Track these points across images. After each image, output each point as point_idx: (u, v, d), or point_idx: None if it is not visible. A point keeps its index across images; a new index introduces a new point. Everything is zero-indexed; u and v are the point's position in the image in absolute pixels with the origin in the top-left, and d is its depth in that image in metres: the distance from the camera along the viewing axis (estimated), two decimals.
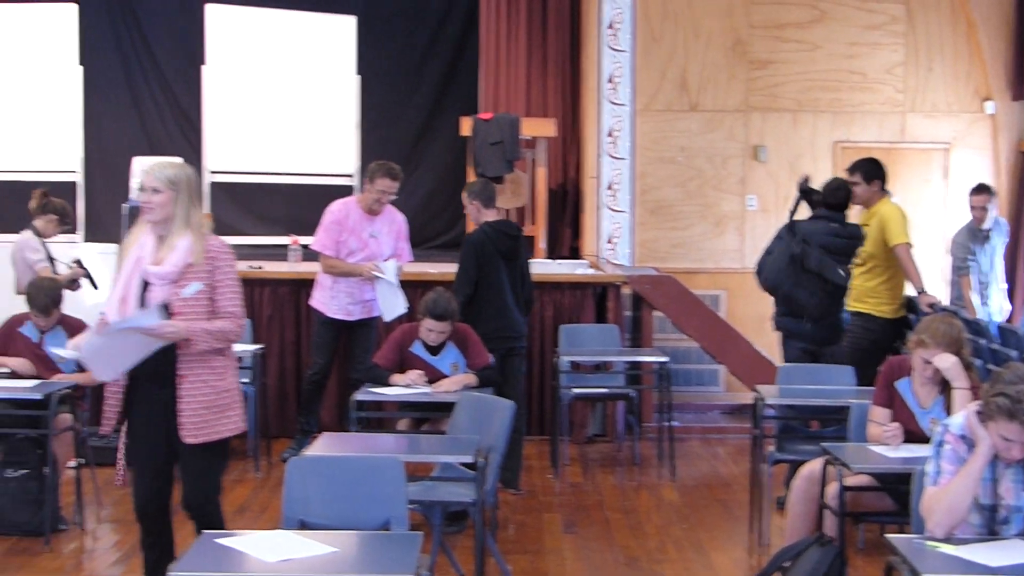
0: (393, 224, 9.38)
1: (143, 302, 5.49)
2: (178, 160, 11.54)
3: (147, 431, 5.62)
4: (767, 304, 9.06)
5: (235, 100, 11.79)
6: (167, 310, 5.51)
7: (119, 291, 5.54)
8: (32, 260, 8.69)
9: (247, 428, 6.15)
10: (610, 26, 11.35)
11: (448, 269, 9.31)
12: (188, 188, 5.70)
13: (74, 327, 7.67)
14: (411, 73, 13.13)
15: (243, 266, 10.18)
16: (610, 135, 11.36)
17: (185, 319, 5.50)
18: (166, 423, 5.55)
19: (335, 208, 9.31)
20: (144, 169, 5.91)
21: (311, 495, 5.19)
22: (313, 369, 9.51)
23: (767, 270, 8.88)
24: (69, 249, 9.07)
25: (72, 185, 11.61)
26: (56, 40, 11.82)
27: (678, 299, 10.49)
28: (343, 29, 11.85)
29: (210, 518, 5.64)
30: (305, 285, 10.05)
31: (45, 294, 7.83)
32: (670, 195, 11.76)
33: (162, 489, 5.69)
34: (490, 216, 8.69)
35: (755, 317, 11.11)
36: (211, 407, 5.58)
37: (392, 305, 9.13)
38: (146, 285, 5.53)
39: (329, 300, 9.34)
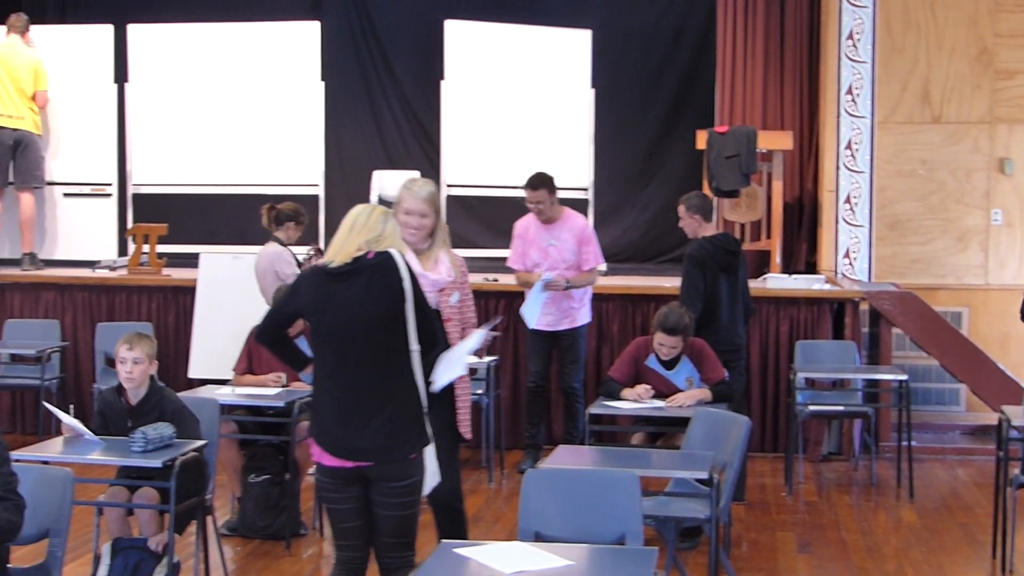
0: (573, 230, 9.41)
1: None
2: (416, 174, 11.82)
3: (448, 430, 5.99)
4: (1012, 322, 8.78)
5: (472, 114, 11.93)
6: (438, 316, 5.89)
7: None
8: (287, 273, 8.90)
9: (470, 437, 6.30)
10: (849, 37, 11.16)
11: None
12: (440, 205, 6.00)
13: None
14: (646, 86, 13.11)
15: (479, 278, 10.33)
16: (848, 148, 11.16)
17: (451, 325, 5.97)
18: (450, 422, 5.97)
19: (518, 223, 9.55)
20: (407, 189, 6.05)
21: (547, 507, 5.21)
22: (529, 377, 9.67)
23: None
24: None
25: (315, 198, 11.90)
26: (299, 57, 12.12)
27: (919, 316, 10.23)
28: (579, 43, 11.88)
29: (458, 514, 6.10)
30: None
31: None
32: (910, 209, 11.48)
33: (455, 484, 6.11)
34: (709, 230, 8.66)
35: (999, 336, 10.78)
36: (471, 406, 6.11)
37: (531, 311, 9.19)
38: None
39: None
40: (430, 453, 5.31)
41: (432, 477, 5.34)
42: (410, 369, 5.23)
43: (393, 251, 5.25)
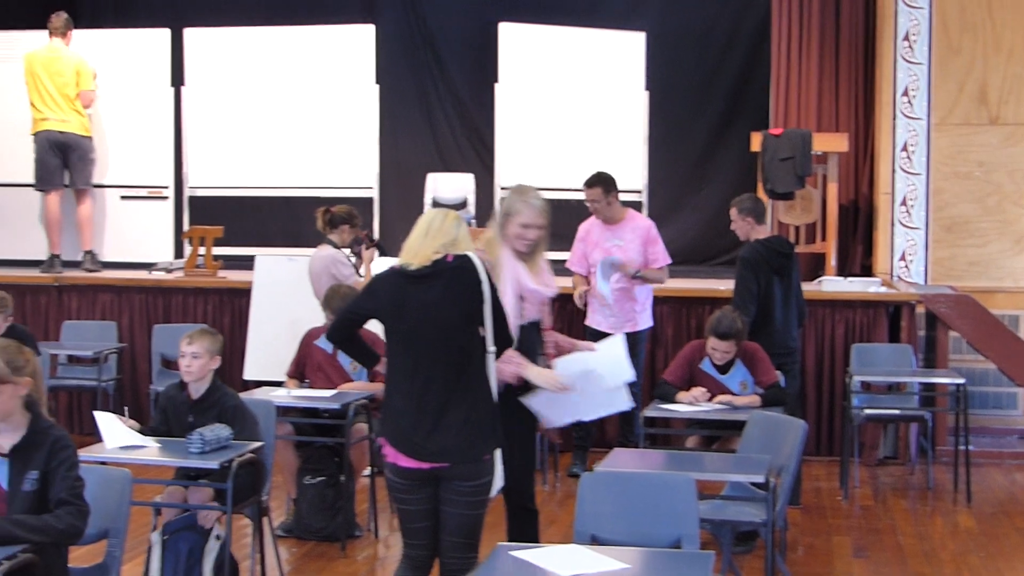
0: (637, 230, 9.40)
1: None
2: (469, 177, 11.83)
3: (524, 430, 6.11)
4: None
5: (526, 117, 11.94)
6: (539, 327, 6.14)
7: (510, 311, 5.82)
8: (344, 275, 8.95)
9: None
10: (905, 38, 11.09)
11: None
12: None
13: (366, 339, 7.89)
14: (701, 88, 13.08)
15: None
16: (904, 150, 11.09)
17: (549, 335, 6.22)
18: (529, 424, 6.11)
19: (582, 226, 9.57)
20: (524, 202, 6.11)
21: (603, 510, 5.21)
22: None
23: None
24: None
25: (369, 201, 11.94)
26: (354, 60, 12.17)
27: (977, 319, 10.15)
28: (633, 45, 11.86)
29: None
30: None
31: (341, 298, 8.08)
32: (967, 211, 11.38)
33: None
34: (762, 233, 8.64)
35: None
36: None
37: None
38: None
39: (593, 314, 9.43)
40: (498, 456, 5.34)
41: (499, 479, 5.37)
42: (485, 370, 5.31)
43: (471, 254, 5.33)
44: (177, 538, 6.51)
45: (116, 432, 6.41)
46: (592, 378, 6.04)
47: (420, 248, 5.32)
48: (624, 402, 6.24)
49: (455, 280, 5.27)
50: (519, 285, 5.99)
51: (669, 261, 9.51)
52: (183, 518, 6.56)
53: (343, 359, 8.13)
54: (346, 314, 5.62)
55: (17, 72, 12.08)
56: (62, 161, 11.77)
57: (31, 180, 11.88)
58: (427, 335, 5.25)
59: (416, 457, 5.23)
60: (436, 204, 11.76)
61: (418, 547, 5.37)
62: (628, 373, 6.12)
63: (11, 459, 4.79)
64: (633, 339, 9.36)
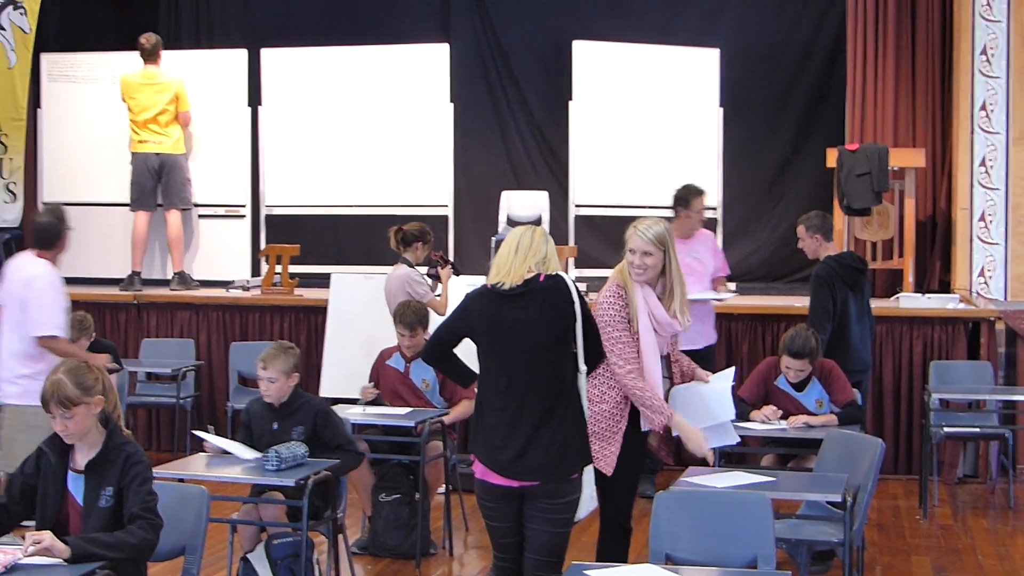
0: (708, 241, 9.44)
1: None
2: (544, 195, 11.83)
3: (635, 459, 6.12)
4: None
5: (600, 134, 11.93)
6: (668, 360, 6.18)
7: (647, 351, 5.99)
8: (420, 293, 9.00)
9: None
10: (983, 52, 10.98)
11: None
12: (671, 243, 6.09)
13: None
14: (775, 104, 13.01)
15: None
16: (983, 165, 10.97)
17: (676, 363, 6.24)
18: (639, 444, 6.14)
19: None
20: (633, 228, 6.13)
21: (678, 529, 5.20)
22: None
23: None
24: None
25: (444, 219, 11.99)
26: (429, 79, 12.23)
27: None
28: (707, 62, 11.83)
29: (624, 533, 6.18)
30: None
31: (413, 312, 8.12)
32: None
33: None
34: (831, 249, 8.60)
35: None
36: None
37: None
38: None
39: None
40: (588, 478, 5.36)
41: (591, 502, 5.40)
42: (577, 389, 5.36)
43: (563, 274, 5.41)
44: (282, 547, 6.61)
45: (227, 445, 6.54)
46: (700, 412, 6.08)
47: (511, 267, 5.37)
48: (733, 436, 6.31)
49: (548, 300, 5.33)
50: (652, 316, 6.00)
51: (729, 272, 9.65)
52: (288, 543, 6.63)
53: (415, 378, 8.17)
54: (440, 335, 5.66)
55: (102, 92, 12.28)
56: (157, 182, 11.93)
57: (115, 199, 12.07)
58: (521, 354, 5.31)
59: (506, 475, 5.28)
60: (510, 222, 11.77)
61: (507, 560, 5.43)
62: (731, 411, 6.15)
63: (87, 475, 4.85)
64: (710, 353, 9.32)
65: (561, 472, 5.26)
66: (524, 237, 5.43)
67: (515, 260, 5.37)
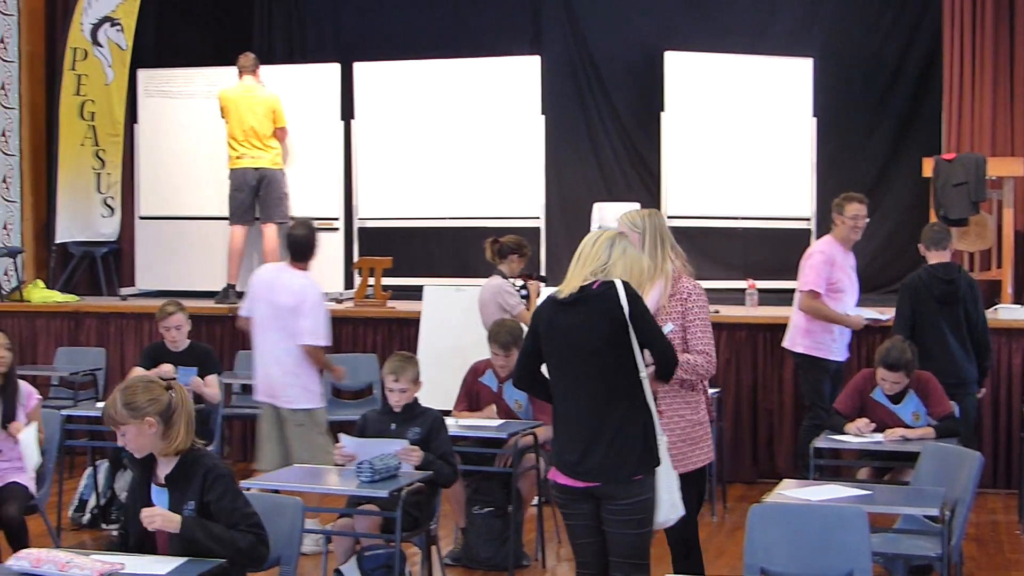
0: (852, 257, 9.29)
1: None
2: (636, 206, 11.80)
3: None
4: None
5: (693, 145, 11.89)
6: None
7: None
8: (511, 304, 9.02)
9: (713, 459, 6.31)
10: None
11: None
12: (653, 232, 5.92)
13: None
14: (870, 113, 12.87)
15: None
16: None
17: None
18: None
19: (822, 247, 9.19)
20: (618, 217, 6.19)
21: (773, 543, 5.15)
22: (814, 412, 9.07)
23: None
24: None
25: (536, 231, 11.99)
26: (520, 91, 12.26)
27: None
28: (800, 72, 11.75)
29: (690, 547, 6.13)
30: (763, 330, 10.06)
31: (507, 332, 8.12)
32: None
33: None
34: (933, 259, 8.56)
35: None
36: (686, 439, 5.99)
37: None
38: None
39: (832, 343, 9.17)
40: (667, 484, 5.33)
41: (672, 510, 5.36)
42: (639, 392, 5.32)
43: (617, 280, 5.35)
44: (374, 559, 6.66)
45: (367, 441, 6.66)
46: None
47: (571, 276, 5.43)
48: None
49: (595, 307, 5.33)
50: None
51: None
52: (381, 555, 6.67)
53: (508, 399, 8.17)
54: (521, 359, 5.72)
55: (197, 107, 12.45)
56: (255, 196, 12.07)
57: (210, 212, 12.23)
58: (572, 361, 5.37)
59: (571, 476, 5.35)
60: None
61: (584, 565, 5.46)
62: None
63: (169, 488, 4.89)
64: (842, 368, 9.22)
65: (622, 474, 5.26)
66: (587, 245, 5.48)
67: (575, 268, 5.44)
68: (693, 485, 5.96)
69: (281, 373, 8.14)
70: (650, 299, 5.83)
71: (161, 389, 4.88)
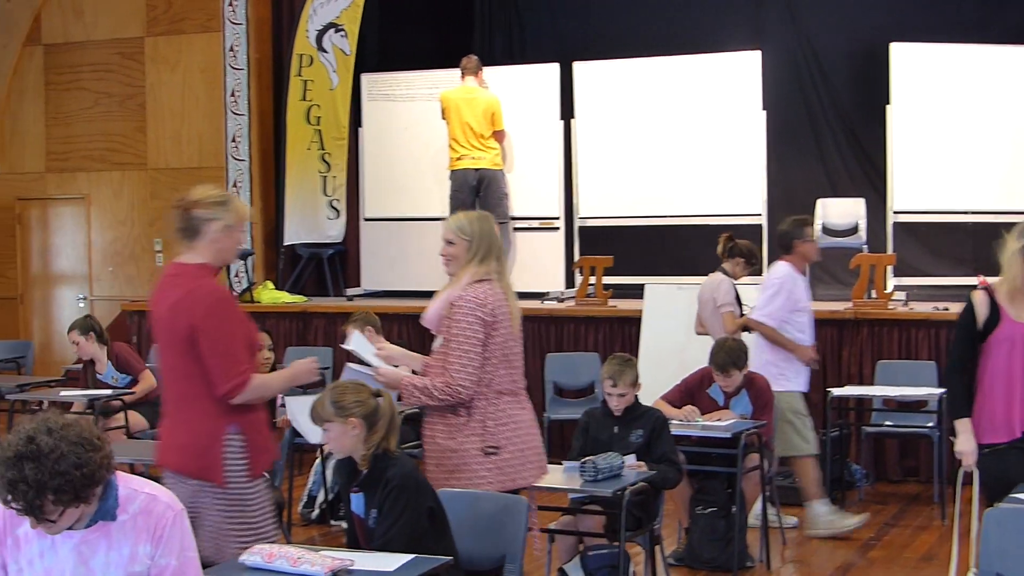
0: None
1: None
2: (860, 201, 11.55)
3: None
4: None
5: (921, 139, 11.59)
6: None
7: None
8: (721, 302, 8.92)
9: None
10: None
11: None
12: (480, 240, 5.81)
13: (761, 399, 7.89)
14: None
15: (928, 307, 10.04)
16: None
17: (431, 371, 5.63)
18: None
19: None
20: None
21: (1009, 547, 4.97)
22: None
23: None
24: (755, 292, 9.28)
25: (758, 228, 11.85)
26: (741, 87, 12.12)
27: None
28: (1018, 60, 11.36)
29: None
30: None
31: (726, 353, 7.92)
32: None
33: None
34: None
35: None
36: (440, 465, 5.60)
37: None
38: None
39: None
40: None
41: None
42: None
43: None
44: (603, 574, 6.67)
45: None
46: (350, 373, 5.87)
47: None
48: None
49: None
50: None
51: None
52: (604, 555, 6.68)
53: (734, 410, 8.04)
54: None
55: (419, 110, 12.65)
56: (475, 197, 12.20)
57: (433, 213, 12.40)
58: None
59: None
60: (826, 230, 11.56)
61: None
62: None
63: (365, 493, 5.00)
64: None
65: None
66: None
67: None
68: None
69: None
70: (435, 308, 5.76)
71: (369, 393, 5.03)
